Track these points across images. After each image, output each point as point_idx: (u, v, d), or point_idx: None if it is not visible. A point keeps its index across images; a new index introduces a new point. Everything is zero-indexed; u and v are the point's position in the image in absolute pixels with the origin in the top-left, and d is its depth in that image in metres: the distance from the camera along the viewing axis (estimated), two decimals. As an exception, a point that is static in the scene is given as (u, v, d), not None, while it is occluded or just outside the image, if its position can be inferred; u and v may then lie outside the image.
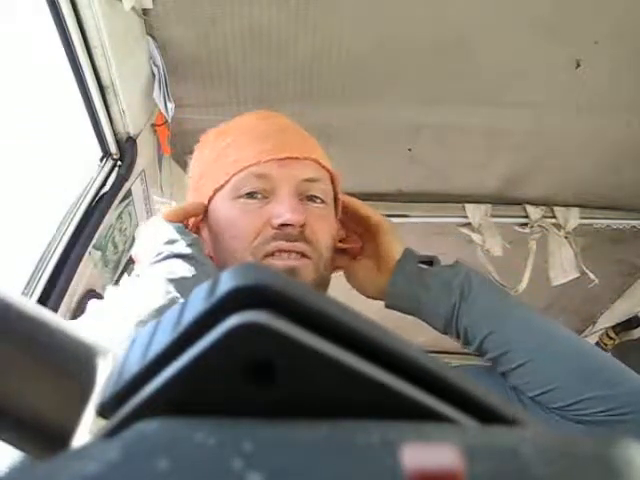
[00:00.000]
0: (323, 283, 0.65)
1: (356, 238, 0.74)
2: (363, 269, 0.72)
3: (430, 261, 0.69)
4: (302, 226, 0.61)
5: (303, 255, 0.61)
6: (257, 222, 0.62)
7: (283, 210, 0.61)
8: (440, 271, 0.67)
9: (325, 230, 0.65)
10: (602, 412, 0.55)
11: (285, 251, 0.60)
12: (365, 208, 0.73)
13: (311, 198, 0.65)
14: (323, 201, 0.66)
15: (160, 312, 0.52)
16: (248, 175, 0.63)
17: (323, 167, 0.67)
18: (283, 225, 0.60)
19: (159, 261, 0.59)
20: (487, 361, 0.63)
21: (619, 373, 0.60)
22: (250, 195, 0.63)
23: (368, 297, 0.72)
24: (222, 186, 0.65)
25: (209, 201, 0.67)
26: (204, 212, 0.68)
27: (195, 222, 0.69)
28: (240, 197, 0.63)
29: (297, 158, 0.64)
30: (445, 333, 0.66)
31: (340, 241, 0.73)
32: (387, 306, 0.70)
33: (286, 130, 0.69)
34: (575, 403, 0.56)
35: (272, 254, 0.61)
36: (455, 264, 0.68)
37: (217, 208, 0.66)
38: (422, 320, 0.68)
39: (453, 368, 0.19)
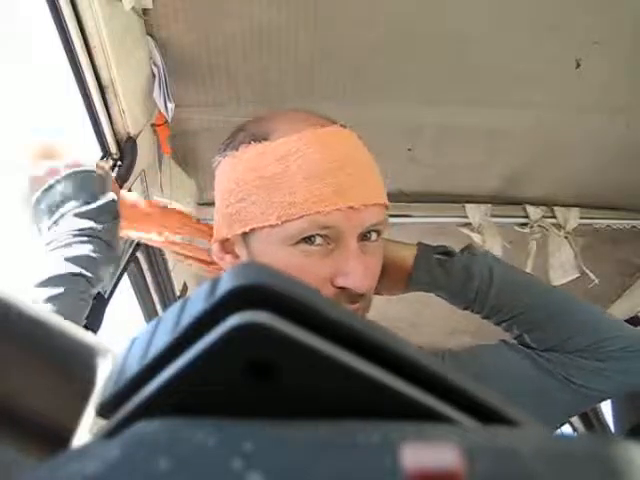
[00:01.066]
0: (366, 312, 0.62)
1: None
2: (381, 286, 0.68)
3: (446, 252, 0.73)
4: (364, 291, 0.56)
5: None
6: (320, 277, 0.55)
7: (349, 270, 0.54)
8: (459, 261, 0.70)
9: (379, 266, 0.61)
10: (619, 349, 0.63)
11: None
12: None
13: (368, 235, 0.59)
14: (379, 234, 0.60)
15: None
16: (310, 224, 0.55)
17: (384, 205, 0.61)
18: (348, 288, 0.54)
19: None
20: (502, 323, 0.70)
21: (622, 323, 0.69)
22: (308, 240, 0.55)
23: (388, 294, 0.73)
24: (273, 227, 0.56)
25: (251, 230, 0.58)
26: (242, 239, 0.60)
27: (224, 240, 0.62)
28: (298, 243, 0.55)
29: (358, 208, 0.55)
30: (471, 311, 0.71)
31: None
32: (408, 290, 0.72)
33: (349, 164, 0.58)
34: (593, 344, 0.64)
35: None
36: (470, 248, 0.73)
37: (266, 249, 0.58)
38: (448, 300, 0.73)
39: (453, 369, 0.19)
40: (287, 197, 0.55)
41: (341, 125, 0.64)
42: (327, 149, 0.58)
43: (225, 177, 0.62)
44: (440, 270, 0.70)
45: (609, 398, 0.70)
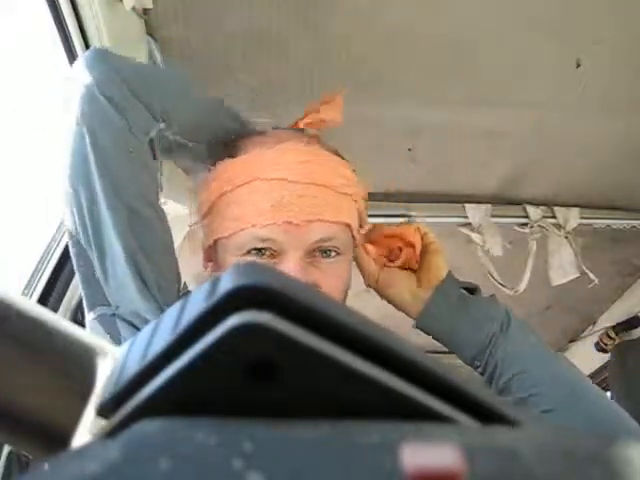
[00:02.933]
0: None
1: (398, 252, 0.74)
2: (405, 280, 0.72)
3: (471, 289, 0.71)
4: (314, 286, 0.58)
5: None
6: None
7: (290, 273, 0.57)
8: (482, 300, 0.69)
9: (339, 284, 0.63)
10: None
11: None
12: (413, 233, 0.72)
13: (324, 252, 0.62)
14: (338, 253, 0.63)
15: None
16: (251, 237, 0.60)
17: (340, 222, 0.63)
18: None
19: None
20: (510, 399, 0.64)
21: (624, 423, 0.62)
22: (258, 251, 0.60)
23: (399, 309, 0.73)
24: (227, 238, 0.63)
25: (215, 241, 0.65)
26: (213, 249, 0.67)
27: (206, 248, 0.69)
28: (248, 253, 0.60)
29: (297, 224, 0.59)
30: (471, 364, 0.68)
31: (390, 260, 0.73)
32: (418, 325, 0.71)
33: (296, 180, 0.61)
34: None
35: None
36: (494, 298, 0.71)
37: (225, 258, 0.64)
38: (449, 347, 0.70)
39: (452, 368, 0.19)
40: (235, 211, 0.61)
41: (311, 138, 0.68)
42: (275, 167, 0.61)
43: (202, 190, 0.68)
44: (458, 303, 0.69)
45: None
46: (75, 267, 0.61)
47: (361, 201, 0.70)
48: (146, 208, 0.61)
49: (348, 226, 0.65)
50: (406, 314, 0.73)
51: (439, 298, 0.69)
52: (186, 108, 0.69)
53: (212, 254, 0.69)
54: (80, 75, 0.61)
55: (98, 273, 0.59)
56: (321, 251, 0.62)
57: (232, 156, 0.66)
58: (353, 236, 0.68)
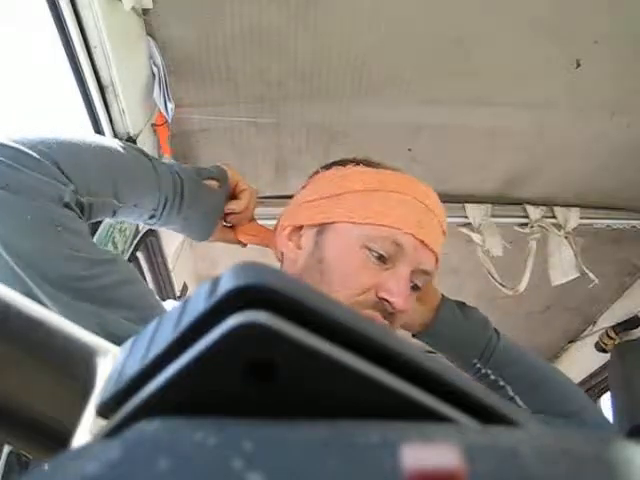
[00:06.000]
0: None
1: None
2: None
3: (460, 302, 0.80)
4: (402, 312, 0.63)
5: None
6: (368, 283, 0.62)
7: (396, 291, 0.62)
8: (474, 309, 0.78)
9: (410, 313, 0.68)
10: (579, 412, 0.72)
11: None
12: None
13: (415, 287, 0.67)
14: (420, 289, 0.68)
15: None
16: (388, 236, 0.64)
17: (437, 260, 0.69)
18: (387, 301, 0.62)
19: None
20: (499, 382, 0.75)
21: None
22: (377, 254, 0.63)
23: (405, 328, 0.77)
24: (356, 223, 0.65)
25: (332, 222, 0.67)
26: (318, 229, 0.68)
27: (296, 227, 0.71)
28: (367, 249, 0.63)
29: (427, 246, 0.65)
30: (470, 365, 0.76)
31: None
32: (426, 334, 0.78)
33: (435, 214, 0.68)
34: (574, 411, 0.72)
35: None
36: (476, 308, 0.80)
37: (337, 237, 0.66)
38: (452, 352, 0.78)
39: (452, 368, 0.19)
40: (379, 207, 0.65)
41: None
42: (420, 193, 0.68)
43: (322, 179, 0.72)
44: (460, 313, 0.77)
45: None
46: None
47: None
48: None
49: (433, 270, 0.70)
50: (407, 329, 0.78)
51: (447, 309, 0.76)
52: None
53: (303, 236, 0.70)
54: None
55: None
56: (414, 285, 0.66)
57: (366, 165, 0.72)
58: None
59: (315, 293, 0.18)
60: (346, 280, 0.63)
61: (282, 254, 0.74)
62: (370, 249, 0.63)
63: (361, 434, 0.15)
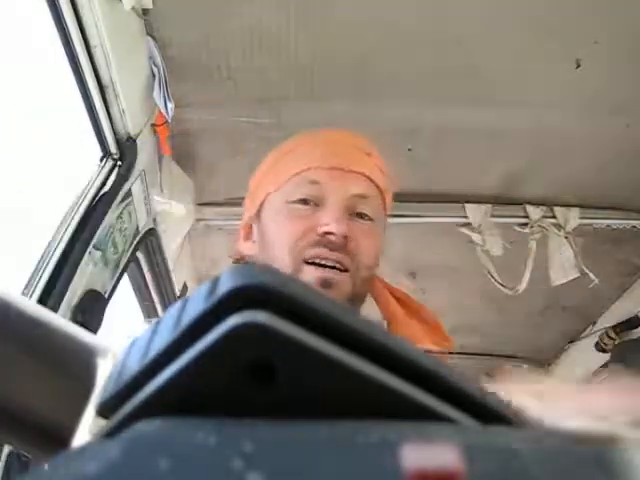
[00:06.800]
0: (358, 299, 0.67)
1: None
2: None
3: None
4: (345, 237, 0.62)
5: (341, 267, 0.62)
6: (302, 228, 0.64)
7: (329, 219, 0.62)
8: None
9: (369, 247, 0.66)
10: None
11: (324, 259, 0.62)
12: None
13: (360, 215, 0.66)
14: (371, 219, 0.67)
15: None
16: (301, 180, 0.66)
17: (374, 185, 0.69)
18: (327, 233, 0.62)
19: None
20: None
21: None
22: (302, 201, 0.65)
23: None
24: (275, 190, 0.68)
25: (261, 205, 0.70)
26: (256, 216, 0.71)
27: (247, 226, 0.73)
28: (292, 202, 0.65)
29: (343, 170, 0.66)
30: None
31: None
32: None
33: (341, 143, 0.70)
34: None
35: (312, 262, 0.62)
36: None
37: (268, 210, 0.69)
38: None
39: (452, 368, 0.19)
40: (289, 165, 0.68)
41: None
42: (329, 134, 0.72)
43: (252, 179, 0.75)
44: None
45: None
46: None
47: (390, 194, 0.76)
48: None
49: (382, 193, 0.71)
50: None
51: None
52: None
53: (252, 231, 0.72)
54: None
55: None
56: (357, 214, 0.66)
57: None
58: (385, 213, 0.73)
59: (315, 293, 0.18)
60: (282, 238, 0.64)
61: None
62: (292, 201, 0.65)
63: (361, 434, 0.15)
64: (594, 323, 1.92)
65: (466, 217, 1.47)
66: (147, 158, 1.16)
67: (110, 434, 0.18)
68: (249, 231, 0.73)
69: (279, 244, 0.64)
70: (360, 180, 0.67)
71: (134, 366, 0.19)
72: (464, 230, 1.46)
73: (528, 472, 0.15)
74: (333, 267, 0.62)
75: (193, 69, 1.11)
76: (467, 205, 1.47)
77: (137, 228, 1.17)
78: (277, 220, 0.66)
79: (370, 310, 0.72)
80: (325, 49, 1.07)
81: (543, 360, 2.18)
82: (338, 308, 0.18)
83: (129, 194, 1.10)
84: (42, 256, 0.91)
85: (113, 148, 1.06)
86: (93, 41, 0.90)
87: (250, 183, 0.76)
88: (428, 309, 0.78)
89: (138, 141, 1.09)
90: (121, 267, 1.11)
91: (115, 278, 1.08)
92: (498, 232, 1.45)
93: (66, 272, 0.89)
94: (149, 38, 1.03)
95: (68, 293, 0.89)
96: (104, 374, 0.21)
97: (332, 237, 0.62)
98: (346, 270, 0.62)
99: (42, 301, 0.85)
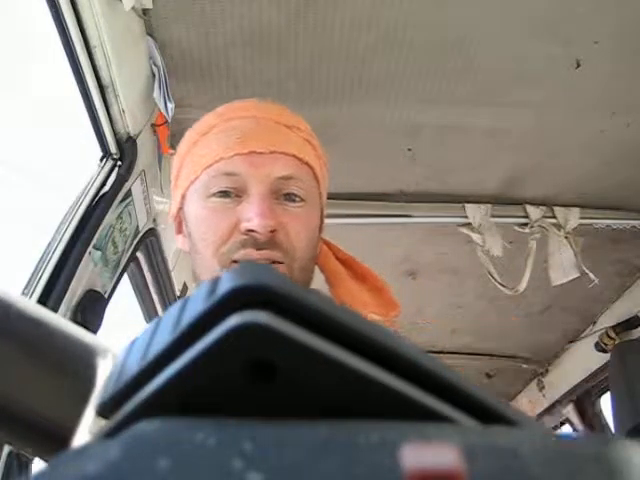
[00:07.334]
0: (303, 284, 0.62)
1: None
2: None
3: None
4: (273, 231, 0.57)
5: (274, 262, 0.57)
6: (226, 225, 0.58)
7: (252, 214, 0.56)
8: None
9: (301, 231, 0.60)
10: None
11: (253, 260, 0.56)
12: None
13: (289, 197, 0.60)
14: (302, 199, 0.61)
15: None
16: (217, 173, 0.59)
17: (303, 162, 0.62)
18: (251, 231, 0.56)
19: None
20: None
21: None
22: (222, 194, 0.59)
23: None
24: (194, 180, 0.61)
25: (183, 197, 0.64)
26: (181, 209, 0.65)
27: (176, 217, 0.67)
28: (211, 196, 0.59)
29: (262, 153, 0.59)
30: None
31: None
32: None
33: (260, 119, 0.62)
34: None
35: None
36: None
37: (189, 205, 0.63)
38: None
39: (452, 368, 0.19)
40: (202, 152, 0.62)
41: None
42: (240, 114, 0.63)
43: (173, 159, 0.68)
44: None
45: None
46: None
47: (324, 168, 0.68)
48: None
49: (312, 170, 0.64)
50: None
51: None
52: None
53: (182, 225, 0.66)
54: None
55: None
56: (285, 195, 0.60)
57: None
58: (320, 190, 0.66)
59: (315, 293, 0.18)
60: (206, 237, 0.59)
61: None
62: (212, 194, 0.59)
63: (361, 434, 0.15)
64: (594, 323, 1.92)
65: (466, 217, 1.47)
66: (147, 158, 1.16)
67: (110, 434, 0.18)
68: (180, 223, 0.67)
69: (204, 245, 0.59)
70: (285, 160, 0.60)
71: (134, 366, 0.19)
72: (464, 230, 1.46)
73: (528, 472, 0.15)
74: None
75: (193, 69, 1.11)
76: (467, 205, 1.47)
77: (137, 228, 1.17)
78: (199, 217, 0.60)
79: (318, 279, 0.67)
80: (325, 49, 1.07)
81: (543, 360, 2.18)
82: (338, 308, 0.18)
83: (129, 194, 1.10)
84: (42, 256, 0.91)
85: (113, 148, 1.06)
86: (93, 41, 0.90)
87: (172, 163, 0.69)
88: (374, 273, 0.70)
89: (138, 141, 1.09)
90: (121, 267, 1.11)
91: (115, 278, 1.08)
92: (498, 232, 1.45)
93: (66, 272, 0.89)
94: (149, 38, 1.03)
95: (68, 293, 0.89)
96: (104, 374, 0.21)
97: (257, 235, 0.56)
98: (279, 263, 0.57)
99: (42, 301, 0.85)
